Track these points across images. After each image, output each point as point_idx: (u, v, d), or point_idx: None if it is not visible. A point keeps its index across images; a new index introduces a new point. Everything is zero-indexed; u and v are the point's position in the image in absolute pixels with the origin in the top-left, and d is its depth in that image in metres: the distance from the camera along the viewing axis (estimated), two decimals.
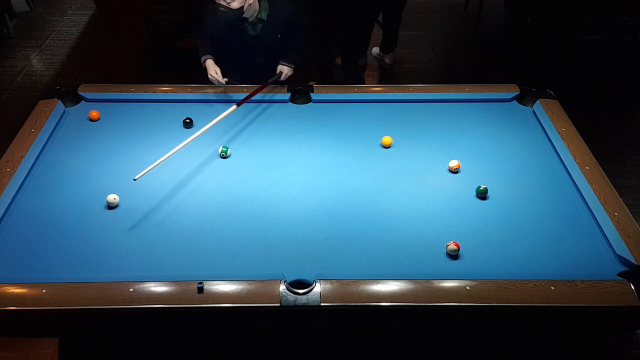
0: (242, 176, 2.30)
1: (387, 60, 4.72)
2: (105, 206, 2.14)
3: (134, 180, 2.12)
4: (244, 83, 2.87)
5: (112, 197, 2.14)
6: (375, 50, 4.77)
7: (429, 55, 4.92)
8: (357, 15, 4.09)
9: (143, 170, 2.17)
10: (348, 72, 4.28)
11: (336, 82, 4.31)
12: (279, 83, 2.85)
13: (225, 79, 2.78)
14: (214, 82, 2.77)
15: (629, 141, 3.91)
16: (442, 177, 2.31)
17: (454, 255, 1.94)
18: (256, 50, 2.90)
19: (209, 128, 2.40)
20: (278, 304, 1.75)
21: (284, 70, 2.87)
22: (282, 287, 1.78)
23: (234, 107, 2.54)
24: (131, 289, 1.77)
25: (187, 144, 2.30)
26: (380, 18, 4.52)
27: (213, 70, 2.78)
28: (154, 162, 2.35)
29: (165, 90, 2.76)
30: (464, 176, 2.30)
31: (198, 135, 2.35)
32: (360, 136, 2.52)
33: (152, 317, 1.82)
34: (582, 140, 2.43)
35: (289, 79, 2.90)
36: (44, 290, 1.77)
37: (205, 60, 2.82)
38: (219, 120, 2.44)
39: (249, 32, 2.82)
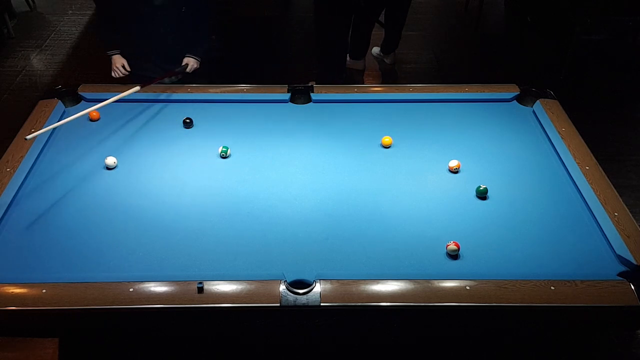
0: (242, 176, 2.30)
1: (387, 60, 4.72)
2: (104, 167, 2.30)
3: (25, 139, 2.20)
4: (156, 74, 2.83)
5: (111, 160, 2.29)
6: (376, 50, 4.77)
7: (429, 55, 4.92)
8: (356, 17, 4.08)
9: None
10: (328, 72, 4.23)
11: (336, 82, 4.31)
12: (185, 75, 2.86)
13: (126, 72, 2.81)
14: (116, 75, 2.81)
15: (629, 141, 3.91)
16: (442, 177, 2.31)
17: (454, 255, 1.94)
18: (163, 23, 2.83)
19: (106, 104, 2.45)
20: (278, 304, 1.75)
21: (190, 62, 2.90)
22: (282, 287, 1.78)
23: (137, 87, 2.57)
24: (131, 289, 1.77)
25: (80, 115, 2.35)
26: (382, 19, 4.52)
27: (120, 63, 2.81)
28: (154, 162, 2.36)
29: (165, 91, 2.76)
30: (464, 176, 2.30)
31: (94, 109, 2.43)
32: (360, 136, 2.52)
33: (152, 317, 1.82)
34: (582, 140, 2.43)
35: (288, 78, 2.90)
36: (44, 290, 1.77)
37: (112, 55, 2.85)
38: (116, 100, 2.46)
39: (154, 1, 2.76)
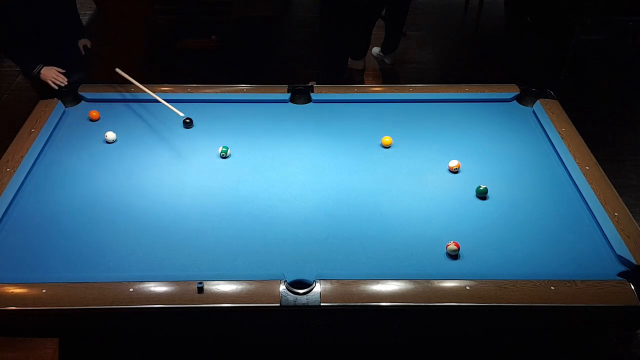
0: (242, 176, 2.30)
1: (387, 60, 4.72)
2: (104, 140, 2.45)
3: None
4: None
5: (111, 134, 2.44)
6: (376, 50, 4.77)
7: (429, 55, 4.92)
8: (356, 18, 4.08)
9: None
10: (329, 71, 4.23)
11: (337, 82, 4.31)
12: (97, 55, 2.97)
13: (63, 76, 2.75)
14: (58, 84, 2.72)
15: (629, 141, 3.91)
16: (442, 177, 2.31)
17: (454, 255, 1.94)
18: (55, 24, 2.85)
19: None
20: (278, 304, 1.75)
21: (87, 42, 3.07)
22: (282, 287, 1.78)
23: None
24: (131, 289, 1.77)
25: None
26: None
27: (53, 72, 2.72)
28: (154, 162, 2.36)
29: (165, 90, 2.76)
30: (464, 176, 2.30)
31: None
32: (360, 136, 2.52)
33: (152, 317, 1.82)
34: (582, 140, 2.43)
35: (288, 78, 2.90)
36: (44, 290, 1.77)
37: (40, 71, 2.75)
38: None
39: (40, 8, 2.75)
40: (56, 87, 2.75)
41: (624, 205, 2.11)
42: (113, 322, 1.85)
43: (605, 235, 2.01)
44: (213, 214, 2.11)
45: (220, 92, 2.76)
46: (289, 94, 2.75)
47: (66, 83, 2.75)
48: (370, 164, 2.37)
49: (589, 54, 4.80)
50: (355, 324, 1.93)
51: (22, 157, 2.28)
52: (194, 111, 2.63)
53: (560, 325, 1.94)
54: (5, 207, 2.08)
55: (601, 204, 2.10)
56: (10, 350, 2.54)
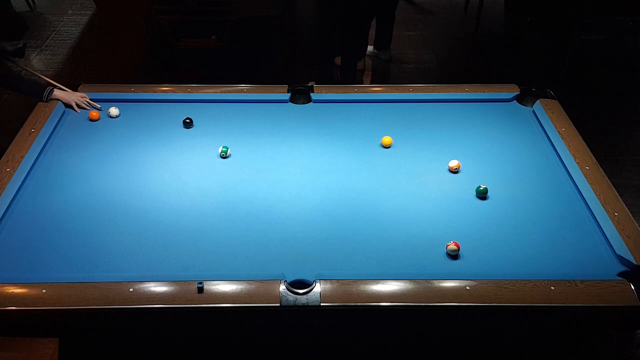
0: (242, 176, 2.30)
1: (382, 57, 4.71)
2: (107, 115, 2.59)
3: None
4: None
5: (114, 110, 2.57)
6: (369, 48, 4.77)
7: (429, 55, 4.91)
8: (357, 18, 4.08)
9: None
10: (345, 74, 4.26)
11: (336, 82, 4.31)
12: None
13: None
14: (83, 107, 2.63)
15: (629, 141, 3.91)
16: (442, 177, 2.31)
17: (454, 256, 1.94)
18: None
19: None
20: (278, 304, 1.75)
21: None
22: (282, 287, 1.78)
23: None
24: (131, 289, 1.77)
25: None
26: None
27: (78, 95, 2.63)
28: (154, 162, 2.36)
29: (165, 90, 2.76)
30: (464, 176, 2.30)
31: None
32: (360, 136, 2.52)
33: (152, 317, 1.82)
34: (582, 140, 2.43)
35: (288, 78, 2.89)
36: (44, 290, 1.77)
37: (49, 92, 2.60)
38: None
39: None
40: (78, 110, 2.61)
41: (624, 205, 2.11)
42: (113, 322, 1.85)
43: (605, 235, 2.01)
44: (213, 214, 2.11)
45: (220, 92, 2.76)
46: (289, 94, 2.75)
47: (90, 105, 2.64)
48: (370, 164, 2.37)
49: (589, 54, 4.80)
50: (355, 324, 1.93)
51: (22, 157, 2.28)
52: (194, 111, 2.63)
53: (561, 325, 1.94)
54: (5, 207, 2.08)
55: (601, 203, 2.10)
56: (10, 350, 2.54)
